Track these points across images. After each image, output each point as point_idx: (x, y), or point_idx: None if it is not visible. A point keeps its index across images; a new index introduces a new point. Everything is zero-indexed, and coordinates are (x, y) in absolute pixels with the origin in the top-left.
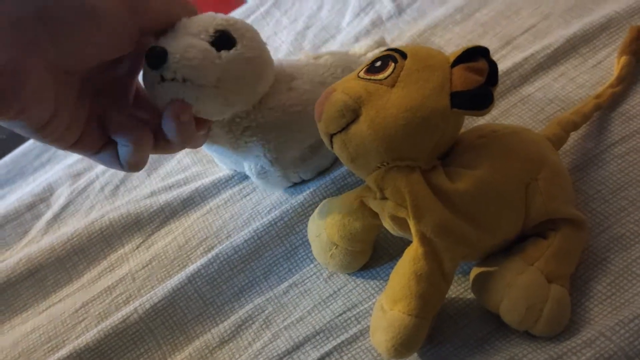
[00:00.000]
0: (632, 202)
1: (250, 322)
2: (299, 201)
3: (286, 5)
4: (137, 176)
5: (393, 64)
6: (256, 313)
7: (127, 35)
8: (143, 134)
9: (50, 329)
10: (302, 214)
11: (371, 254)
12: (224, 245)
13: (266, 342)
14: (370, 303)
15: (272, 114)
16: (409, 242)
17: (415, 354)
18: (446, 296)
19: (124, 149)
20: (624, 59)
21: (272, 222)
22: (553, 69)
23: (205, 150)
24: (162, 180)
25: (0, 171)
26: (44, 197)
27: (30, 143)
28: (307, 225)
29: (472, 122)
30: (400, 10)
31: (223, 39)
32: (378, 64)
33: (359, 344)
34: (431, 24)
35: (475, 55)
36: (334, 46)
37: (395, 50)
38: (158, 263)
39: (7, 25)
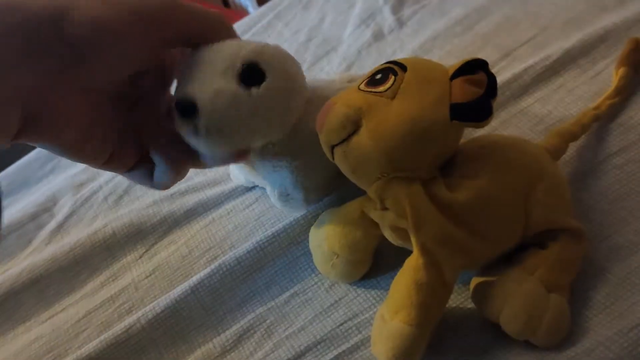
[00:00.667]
0: (630, 212)
1: (252, 331)
2: (301, 213)
3: (288, 17)
4: (141, 186)
5: (393, 77)
6: (258, 323)
7: (147, 46)
8: (180, 156)
9: (53, 338)
10: (304, 225)
11: (372, 264)
12: (227, 256)
13: (268, 352)
14: (371, 313)
15: (303, 138)
16: (410, 252)
17: None
18: (446, 306)
19: (160, 168)
20: (622, 70)
21: (275, 234)
22: (552, 80)
23: None
24: (167, 190)
25: (4, 181)
26: (47, 207)
27: (34, 153)
28: (308, 236)
29: (471, 133)
30: (401, 23)
31: (252, 73)
32: (378, 76)
33: (360, 353)
34: (431, 36)
35: (474, 67)
36: (335, 58)
37: (395, 62)
38: (161, 273)
39: (30, 52)
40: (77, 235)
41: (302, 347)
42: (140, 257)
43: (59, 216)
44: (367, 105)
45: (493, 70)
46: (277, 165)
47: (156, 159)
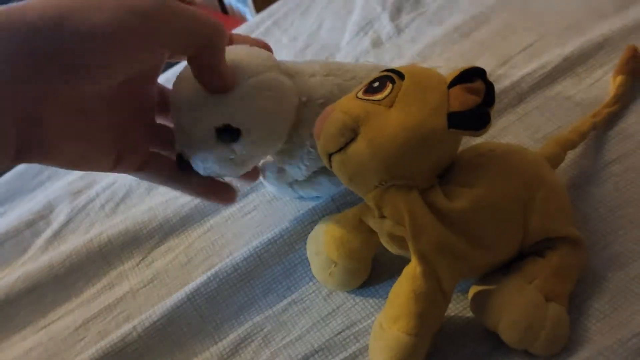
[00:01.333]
0: (629, 220)
1: (249, 340)
2: (298, 219)
3: (286, 24)
4: (138, 194)
5: (391, 85)
6: (255, 331)
7: (144, 53)
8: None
9: (49, 347)
10: (301, 232)
11: (370, 272)
12: (223, 263)
13: None
14: (369, 321)
15: (300, 147)
16: (408, 261)
17: None
18: (445, 315)
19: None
20: (620, 78)
21: (272, 241)
22: (550, 88)
23: None
24: (162, 196)
25: (0, 189)
26: (43, 215)
27: None
28: (306, 244)
29: (469, 141)
30: (399, 30)
31: (227, 134)
32: (376, 84)
33: None
34: (430, 43)
35: (472, 75)
36: None
37: (393, 70)
38: (160, 282)
39: (25, 64)
40: (73, 243)
41: (299, 356)
42: (137, 265)
43: (55, 224)
44: (365, 113)
45: (491, 78)
46: (281, 161)
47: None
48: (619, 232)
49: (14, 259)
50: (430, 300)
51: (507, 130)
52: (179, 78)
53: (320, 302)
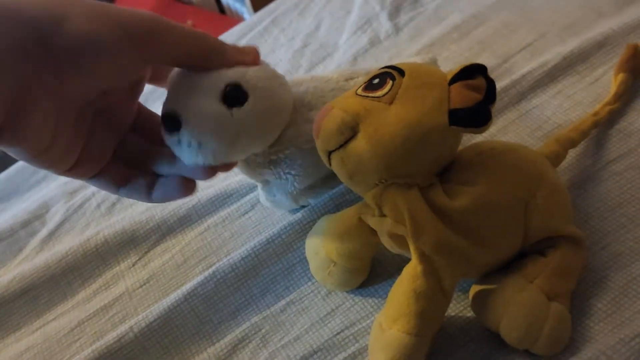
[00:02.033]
0: (631, 219)
1: (247, 341)
2: (296, 218)
3: (284, 23)
4: None
5: (391, 81)
6: (253, 332)
7: (131, 66)
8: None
9: (45, 348)
10: (299, 232)
11: (369, 272)
12: (220, 262)
13: None
14: (368, 321)
15: (285, 150)
16: (408, 260)
17: None
18: (445, 314)
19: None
20: (620, 76)
21: (270, 240)
22: (550, 86)
23: None
24: None
25: None
26: (39, 215)
27: None
28: (304, 243)
29: (470, 139)
30: (397, 29)
31: (235, 94)
32: (376, 81)
33: None
34: (428, 42)
35: (473, 72)
36: (332, 64)
37: (393, 67)
38: (156, 282)
39: (10, 56)
40: (69, 243)
41: (298, 357)
42: (134, 265)
43: (51, 224)
44: (364, 111)
45: (491, 76)
46: (262, 173)
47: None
48: (621, 231)
49: (9, 259)
50: (431, 299)
51: (508, 129)
52: None
53: (319, 302)
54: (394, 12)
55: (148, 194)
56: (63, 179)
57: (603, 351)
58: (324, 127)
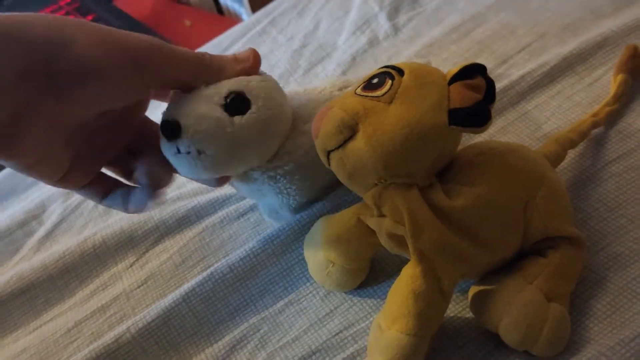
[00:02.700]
0: (630, 220)
1: (245, 341)
2: (295, 219)
3: (282, 23)
4: None
5: (390, 81)
6: (251, 332)
7: (131, 90)
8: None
9: (42, 349)
10: (298, 232)
11: (368, 273)
12: (219, 263)
13: None
14: (367, 322)
15: (285, 166)
16: (407, 260)
17: None
18: (445, 315)
19: (140, 192)
20: (620, 77)
21: (268, 241)
22: (550, 87)
23: None
24: None
25: None
26: (36, 214)
27: None
28: (303, 243)
29: (469, 140)
30: (396, 30)
31: (237, 102)
32: (375, 80)
33: None
34: (427, 43)
35: (473, 72)
36: (330, 65)
37: (393, 67)
38: (154, 282)
39: (12, 78)
40: (66, 243)
41: (296, 358)
42: (132, 266)
43: (48, 224)
44: (363, 110)
45: (491, 77)
46: (261, 188)
47: (141, 180)
48: (620, 231)
49: (6, 259)
50: (430, 300)
51: (507, 129)
52: None
53: (317, 303)
54: (393, 13)
55: (125, 205)
56: None
57: (602, 352)
58: (323, 126)
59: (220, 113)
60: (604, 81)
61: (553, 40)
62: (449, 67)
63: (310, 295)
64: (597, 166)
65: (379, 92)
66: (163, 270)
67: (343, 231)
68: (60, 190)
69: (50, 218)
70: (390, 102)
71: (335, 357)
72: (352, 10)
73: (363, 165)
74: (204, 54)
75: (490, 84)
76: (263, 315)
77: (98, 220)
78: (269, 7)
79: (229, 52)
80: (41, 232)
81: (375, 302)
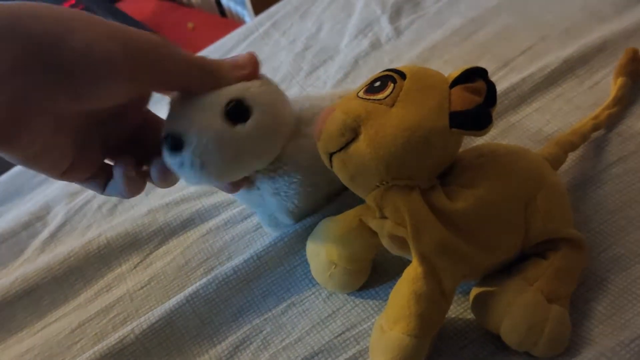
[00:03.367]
0: (630, 221)
1: (248, 342)
2: (298, 224)
3: (285, 26)
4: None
5: (392, 84)
6: (254, 333)
7: (131, 89)
8: (139, 176)
9: (46, 349)
10: (301, 234)
11: (370, 274)
12: (223, 265)
13: None
14: (369, 323)
15: (284, 166)
16: (408, 262)
17: None
18: (446, 316)
19: (117, 184)
20: (620, 80)
21: (272, 243)
22: (550, 90)
23: None
24: (161, 199)
25: None
26: (40, 216)
27: None
28: (305, 245)
29: (470, 142)
30: (398, 33)
31: (238, 110)
32: (377, 84)
33: None
34: (429, 46)
35: (474, 76)
36: (332, 67)
37: (394, 70)
38: (157, 283)
39: (9, 71)
40: (71, 244)
41: (299, 359)
42: (135, 267)
43: (52, 225)
44: (365, 113)
45: (491, 80)
46: (262, 192)
47: (117, 174)
48: (621, 233)
49: (11, 260)
50: (431, 301)
51: (508, 132)
52: None
53: (320, 304)
54: (395, 16)
55: (123, 193)
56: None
57: (603, 353)
58: (325, 129)
59: (221, 123)
60: (604, 84)
61: (554, 43)
62: (450, 70)
63: (312, 296)
64: (598, 168)
65: (381, 95)
66: (166, 271)
67: (345, 232)
68: (64, 192)
69: (55, 219)
70: (392, 105)
71: (338, 358)
72: (355, 14)
73: (365, 167)
74: (203, 58)
75: (491, 87)
76: (266, 317)
77: (102, 222)
78: (271, 10)
79: (232, 55)
80: (45, 233)
81: (377, 303)
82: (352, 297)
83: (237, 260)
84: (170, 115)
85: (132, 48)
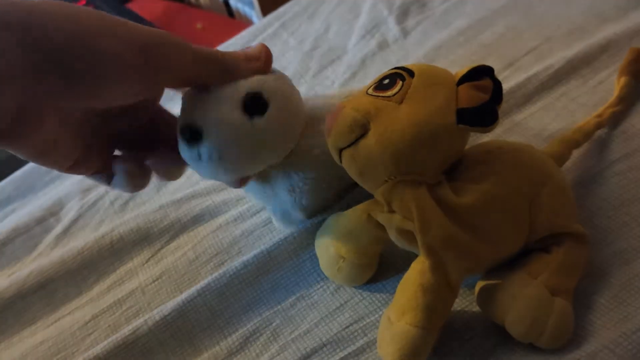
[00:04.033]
0: (633, 217)
1: (258, 334)
2: (309, 220)
3: (293, 26)
4: (147, 191)
5: (401, 82)
6: (264, 325)
7: (144, 88)
8: (141, 172)
9: (60, 341)
10: (310, 229)
11: (378, 268)
12: (234, 259)
13: (274, 354)
14: (377, 316)
15: (298, 161)
16: (416, 256)
17: None
18: (452, 309)
19: (119, 179)
20: (623, 79)
21: (282, 238)
22: (555, 89)
23: None
24: (172, 195)
25: (11, 186)
26: (54, 211)
27: None
28: (314, 240)
29: (477, 139)
30: (405, 33)
31: (255, 103)
32: (386, 81)
33: (366, 356)
34: (435, 46)
35: (481, 74)
36: (340, 67)
37: (403, 68)
38: (168, 277)
39: (19, 68)
40: (83, 239)
41: (308, 350)
42: (147, 262)
43: (65, 220)
44: (375, 110)
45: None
46: (275, 188)
47: (117, 170)
48: (624, 229)
49: (25, 254)
50: (438, 293)
51: (513, 130)
52: None
53: (328, 297)
54: (402, 17)
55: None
56: (77, 177)
57: (605, 345)
58: (335, 125)
59: (240, 115)
60: (608, 83)
61: (558, 43)
62: (457, 70)
63: (321, 289)
64: (601, 166)
65: (389, 93)
66: (177, 266)
67: (354, 227)
68: (77, 187)
69: (68, 215)
70: (401, 102)
71: (345, 350)
72: (362, 14)
73: (374, 163)
74: (217, 52)
75: (497, 85)
76: (275, 309)
77: (114, 217)
78: (279, 11)
79: None
80: (59, 228)
81: (384, 296)
82: (360, 291)
83: (247, 255)
84: (185, 108)
85: (145, 50)
